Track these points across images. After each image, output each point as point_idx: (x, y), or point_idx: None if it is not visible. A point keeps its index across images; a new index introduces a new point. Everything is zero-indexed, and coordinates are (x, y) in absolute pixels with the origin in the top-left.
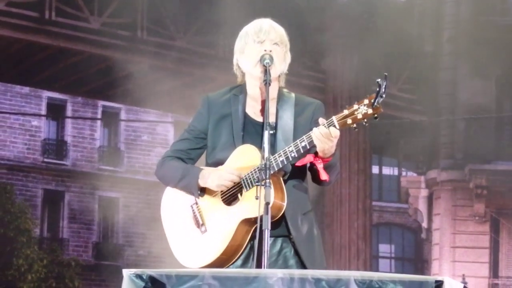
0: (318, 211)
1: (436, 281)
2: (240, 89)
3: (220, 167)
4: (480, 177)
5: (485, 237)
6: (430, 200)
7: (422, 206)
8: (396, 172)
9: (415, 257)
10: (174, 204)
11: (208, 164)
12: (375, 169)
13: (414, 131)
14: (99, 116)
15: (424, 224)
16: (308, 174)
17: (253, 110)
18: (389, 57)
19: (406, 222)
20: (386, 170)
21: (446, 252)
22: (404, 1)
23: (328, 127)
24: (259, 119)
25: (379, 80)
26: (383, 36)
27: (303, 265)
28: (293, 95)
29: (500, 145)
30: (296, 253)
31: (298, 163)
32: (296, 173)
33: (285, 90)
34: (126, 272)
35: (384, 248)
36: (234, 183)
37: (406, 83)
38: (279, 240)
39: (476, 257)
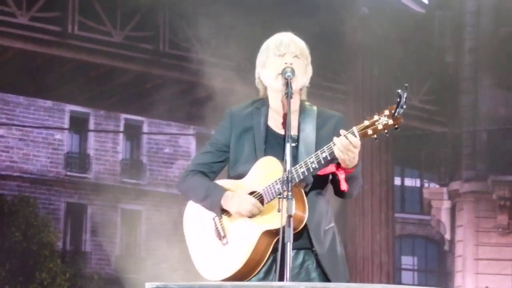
0: (340, 223)
1: None
2: (262, 103)
3: (240, 181)
4: (503, 188)
5: (509, 249)
6: (452, 211)
7: (444, 217)
8: (418, 184)
9: (438, 269)
10: (196, 216)
11: (231, 177)
12: (397, 181)
13: (436, 142)
14: (121, 129)
15: (447, 236)
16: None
17: (275, 123)
18: (410, 68)
19: (428, 234)
20: (408, 182)
21: (469, 264)
22: (424, 12)
23: (349, 137)
24: (281, 132)
25: (399, 90)
26: (403, 47)
27: (326, 278)
28: (315, 108)
29: None
30: (319, 265)
31: (320, 172)
32: (318, 185)
33: (307, 103)
34: (149, 286)
35: (407, 260)
36: (253, 213)
37: (427, 94)
38: (301, 253)
39: (499, 269)
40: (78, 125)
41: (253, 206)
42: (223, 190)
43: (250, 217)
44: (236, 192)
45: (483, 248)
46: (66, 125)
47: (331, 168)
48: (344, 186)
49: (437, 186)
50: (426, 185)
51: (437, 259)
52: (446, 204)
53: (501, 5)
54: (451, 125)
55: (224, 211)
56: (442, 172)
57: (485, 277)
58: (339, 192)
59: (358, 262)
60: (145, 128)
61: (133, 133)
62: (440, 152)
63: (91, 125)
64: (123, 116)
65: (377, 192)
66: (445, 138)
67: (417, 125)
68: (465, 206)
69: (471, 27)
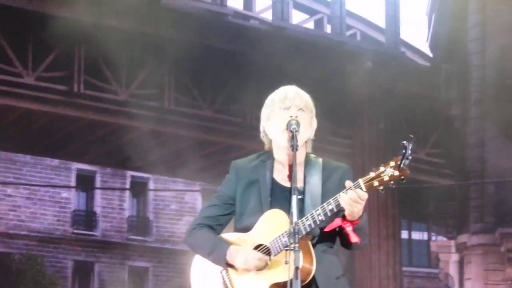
0: (348, 277)
1: None
2: (268, 156)
3: (246, 234)
4: (511, 241)
5: None
6: (461, 264)
7: (453, 270)
8: (426, 237)
9: None
10: (204, 270)
11: (237, 230)
12: (404, 234)
13: (443, 195)
14: (127, 186)
15: None
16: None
17: (280, 176)
18: (416, 121)
19: (437, 287)
20: (416, 235)
21: None
22: (429, 65)
23: (355, 189)
24: (287, 184)
25: (404, 142)
26: (409, 100)
27: None
28: (320, 160)
29: None
30: None
31: (327, 228)
32: (325, 237)
33: (312, 155)
34: None
35: None
36: (260, 268)
37: (434, 147)
38: None
39: None
40: (85, 183)
41: (258, 261)
42: (228, 245)
43: (257, 271)
44: (241, 247)
45: None
46: (73, 183)
47: (337, 222)
48: (355, 238)
49: (445, 239)
50: (433, 238)
51: None
52: (454, 257)
53: (505, 57)
54: (458, 178)
55: (230, 266)
56: (450, 225)
57: None
58: (346, 244)
59: None
60: (151, 185)
61: (139, 190)
62: (447, 205)
63: (98, 183)
64: (129, 173)
65: (384, 246)
66: (452, 191)
67: (424, 178)
68: (473, 259)
69: (476, 79)
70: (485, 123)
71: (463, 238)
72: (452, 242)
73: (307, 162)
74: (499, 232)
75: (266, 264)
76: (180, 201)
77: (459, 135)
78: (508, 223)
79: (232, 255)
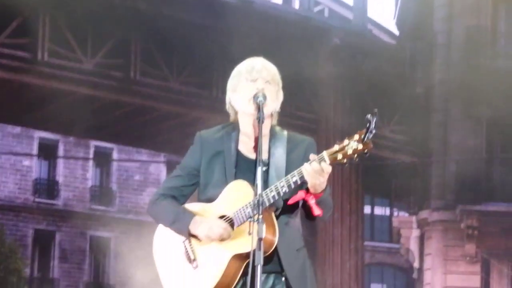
0: (310, 251)
1: None
2: (233, 127)
3: (210, 204)
4: (471, 218)
5: (476, 278)
6: (421, 240)
7: (413, 246)
8: (388, 212)
9: None
10: (166, 240)
11: (201, 201)
12: (367, 209)
13: (406, 172)
14: (91, 156)
15: (416, 264)
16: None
17: (245, 147)
18: (381, 98)
19: (397, 262)
20: (378, 210)
21: None
22: (395, 44)
23: (319, 162)
24: (252, 156)
25: (369, 116)
26: (375, 77)
27: None
28: (285, 132)
29: (490, 186)
30: None
31: (290, 201)
32: (288, 209)
33: (277, 127)
34: None
35: None
36: (223, 237)
37: (397, 125)
38: (271, 277)
39: None
40: (47, 151)
41: (223, 230)
42: (191, 215)
43: (220, 241)
44: (205, 217)
45: (451, 277)
46: (35, 152)
47: (301, 194)
48: (317, 211)
49: (406, 215)
50: (395, 214)
51: (406, 287)
52: (415, 232)
53: (471, 37)
54: (421, 155)
55: (193, 236)
56: (412, 201)
57: None
58: (310, 217)
59: None
60: (115, 155)
61: (103, 160)
62: (409, 182)
63: (61, 152)
64: (93, 143)
65: (347, 221)
66: (415, 168)
67: (387, 154)
68: (434, 235)
69: (441, 59)
70: (449, 103)
71: (424, 214)
72: (414, 218)
73: (272, 134)
74: (459, 209)
75: (229, 235)
76: (144, 172)
77: (423, 113)
78: (468, 201)
79: (195, 224)
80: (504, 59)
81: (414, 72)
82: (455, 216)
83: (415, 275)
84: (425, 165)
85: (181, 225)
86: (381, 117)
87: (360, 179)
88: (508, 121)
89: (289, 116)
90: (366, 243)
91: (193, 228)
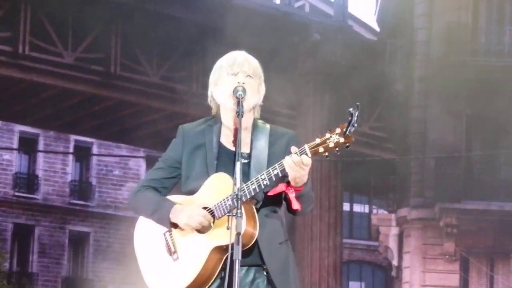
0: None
1: None
2: (215, 120)
3: (192, 196)
4: (450, 216)
5: (455, 276)
6: (400, 238)
7: (392, 244)
8: (367, 210)
9: None
10: (147, 232)
11: (182, 193)
12: (346, 206)
13: (385, 169)
14: (71, 150)
15: (394, 262)
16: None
17: (227, 140)
18: (360, 94)
19: (376, 259)
20: (357, 208)
21: None
22: (376, 40)
23: (300, 155)
24: (234, 149)
25: (351, 109)
26: (355, 74)
27: None
28: (267, 125)
29: (470, 184)
30: (270, 283)
31: (270, 193)
32: (270, 202)
33: (260, 121)
34: None
35: (354, 286)
36: (203, 225)
37: (377, 121)
38: (252, 270)
39: None
40: (27, 145)
41: (203, 218)
42: (172, 203)
43: (200, 231)
44: (186, 206)
45: (430, 275)
46: (15, 146)
47: (281, 187)
48: (296, 205)
49: (386, 212)
50: (374, 211)
51: (384, 285)
52: (394, 230)
53: (451, 34)
54: (400, 152)
55: (173, 225)
56: (391, 198)
57: None
58: (290, 210)
59: (306, 287)
60: (95, 150)
61: (82, 154)
62: (388, 179)
63: (41, 146)
64: (73, 137)
65: (325, 218)
66: (394, 165)
67: (366, 151)
68: (413, 233)
69: (421, 55)
70: (428, 99)
71: (403, 212)
72: (393, 216)
73: (255, 127)
74: (438, 207)
75: (210, 226)
76: (123, 167)
77: (402, 110)
78: (447, 199)
79: (175, 212)
80: (484, 55)
81: (393, 68)
82: (434, 214)
83: (393, 273)
84: (404, 162)
85: (162, 214)
86: (361, 113)
87: (339, 175)
88: (488, 118)
89: (268, 112)
90: (344, 240)
91: (173, 216)
